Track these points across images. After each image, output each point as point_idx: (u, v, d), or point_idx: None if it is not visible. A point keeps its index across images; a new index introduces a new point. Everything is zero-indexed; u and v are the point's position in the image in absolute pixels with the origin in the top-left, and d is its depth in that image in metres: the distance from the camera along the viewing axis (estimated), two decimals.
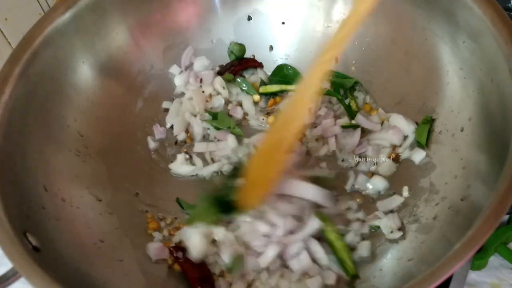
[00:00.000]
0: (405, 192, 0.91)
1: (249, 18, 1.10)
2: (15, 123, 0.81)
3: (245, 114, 1.07)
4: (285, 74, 1.09)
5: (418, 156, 0.92)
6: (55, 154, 0.87)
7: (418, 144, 0.93)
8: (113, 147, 0.97)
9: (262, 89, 1.08)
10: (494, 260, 0.91)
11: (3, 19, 1.06)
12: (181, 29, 1.08)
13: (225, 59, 1.12)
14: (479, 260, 0.89)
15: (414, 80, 0.97)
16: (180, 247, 0.86)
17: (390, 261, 0.82)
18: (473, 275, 0.90)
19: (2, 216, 0.69)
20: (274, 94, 1.09)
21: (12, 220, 0.70)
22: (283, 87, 1.07)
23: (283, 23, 1.10)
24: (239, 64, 1.10)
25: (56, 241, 0.77)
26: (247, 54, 1.12)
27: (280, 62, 1.11)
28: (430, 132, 0.92)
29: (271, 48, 1.12)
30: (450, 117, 0.89)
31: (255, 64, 1.11)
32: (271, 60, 1.12)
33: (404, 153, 0.95)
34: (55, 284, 0.64)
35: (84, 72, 0.96)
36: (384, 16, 1.00)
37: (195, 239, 0.84)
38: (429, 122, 0.92)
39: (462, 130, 0.86)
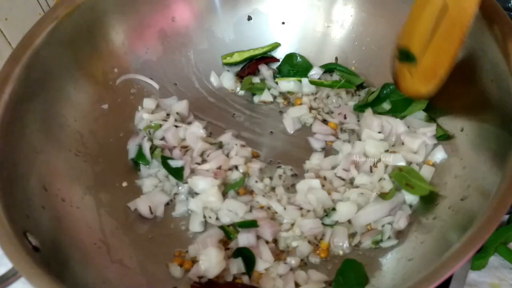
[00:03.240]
0: None
1: (249, 18, 1.10)
2: (15, 123, 0.81)
3: None
4: (294, 64, 1.09)
5: (440, 155, 0.90)
6: (55, 154, 0.87)
7: (442, 138, 0.90)
8: (113, 147, 0.97)
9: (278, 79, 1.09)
10: (494, 260, 0.91)
11: (3, 19, 1.06)
12: (181, 29, 1.08)
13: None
14: (479, 260, 0.89)
15: None
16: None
17: (390, 261, 0.82)
18: (473, 275, 0.89)
19: (2, 216, 0.69)
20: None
21: (12, 220, 0.69)
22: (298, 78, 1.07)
23: (283, 23, 1.10)
24: (256, 62, 1.10)
25: (56, 241, 0.77)
26: None
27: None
28: None
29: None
30: (450, 117, 0.89)
31: (272, 59, 1.11)
32: None
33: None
34: (55, 284, 0.64)
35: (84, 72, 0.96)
36: (384, 16, 1.00)
37: (212, 256, 0.82)
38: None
39: (462, 130, 0.86)
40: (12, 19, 1.07)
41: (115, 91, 1.01)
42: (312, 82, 1.06)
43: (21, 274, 0.65)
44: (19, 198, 0.76)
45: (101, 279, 0.79)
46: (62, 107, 0.91)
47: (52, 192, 0.83)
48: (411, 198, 0.87)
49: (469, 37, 0.83)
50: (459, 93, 0.88)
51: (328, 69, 1.07)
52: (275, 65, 1.11)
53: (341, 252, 0.86)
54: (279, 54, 1.12)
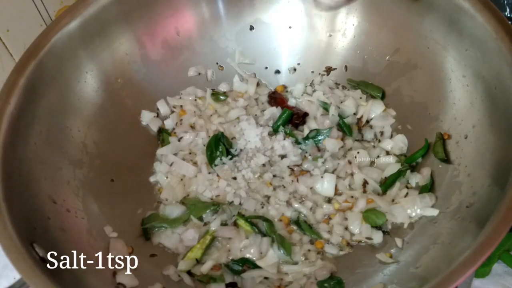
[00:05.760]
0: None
1: (251, 28, 1.09)
2: (20, 133, 0.81)
3: None
4: None
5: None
6: (60, 164, 0.88)
7: (441, 160, 0.90)
8: (118, 158, 0.97)
9: None
10: (498, 267, 0.92)
11: (5, 30, 1.06)
12: (185, 39, 1.08)
13: (228, 67, 1.12)
14: (483, 267, 0.89)
15: (417, 89, 0.98)
16: None
17: (396, 269, 0.82)
18: (477, 283, 0.90)
19: (10, 228, 0.69)
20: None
21: (19, 232, 0.70)
22: None
23: (290, 27, 1.10)
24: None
25: (62, 251, 0.76)
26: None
27: (284, 69, 1.12)
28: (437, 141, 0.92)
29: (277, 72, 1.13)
30: (454, 125, 0.90)
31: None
32: (272, 70, 1.13)
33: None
34: None
35: (88, 82, 0.96)
36: (386, 25, 1.01)
37: None
38: (441, 138, 0.91)
39: (466, 138, 0.86)
40: (14, 30, 1.07)
41: (119, 102, 1.01)
42: None
43: (29, 285, 0.65)
44: (25, 209, 0.76)
45: None
46: (66, 117, 0.91)
47: (57, 203, 0.83)
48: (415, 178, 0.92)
49: (472, 44, 0.85)
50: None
51: None
52: None
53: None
54: (283, 63, 1.12)
